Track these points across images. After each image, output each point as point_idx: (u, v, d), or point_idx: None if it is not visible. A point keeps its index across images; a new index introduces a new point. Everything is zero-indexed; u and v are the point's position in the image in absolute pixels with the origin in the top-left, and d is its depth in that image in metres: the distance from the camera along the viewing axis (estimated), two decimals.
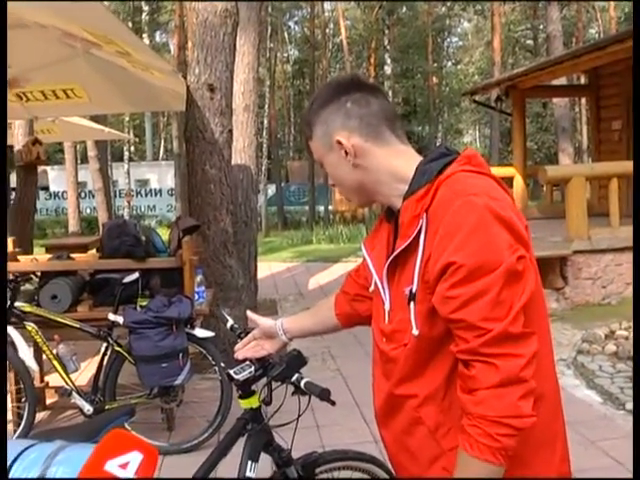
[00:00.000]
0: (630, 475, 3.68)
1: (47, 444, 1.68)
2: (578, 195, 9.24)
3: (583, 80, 16.01)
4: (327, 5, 35.49)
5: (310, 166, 28.92)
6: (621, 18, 36.17)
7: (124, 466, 1.62)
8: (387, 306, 1.63)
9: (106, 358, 4.58)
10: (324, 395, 2.28)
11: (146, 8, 25.36)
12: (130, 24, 26.92)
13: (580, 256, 9.05)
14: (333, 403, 2.31)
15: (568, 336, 7.57)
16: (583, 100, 27.67)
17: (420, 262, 1.49)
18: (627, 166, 10.19)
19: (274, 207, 30.05)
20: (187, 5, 7.49)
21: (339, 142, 1.62)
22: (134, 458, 1.62)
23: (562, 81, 19.28)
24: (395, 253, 1.55)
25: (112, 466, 1.61)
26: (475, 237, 1.39)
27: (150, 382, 4.37)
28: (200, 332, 4.60)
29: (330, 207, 31.00)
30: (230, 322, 2.75)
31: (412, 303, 1.51)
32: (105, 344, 4.54)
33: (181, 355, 4.37)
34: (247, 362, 2.42)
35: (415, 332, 1.50)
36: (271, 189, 31.77)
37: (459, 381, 1.43)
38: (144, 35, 24.70)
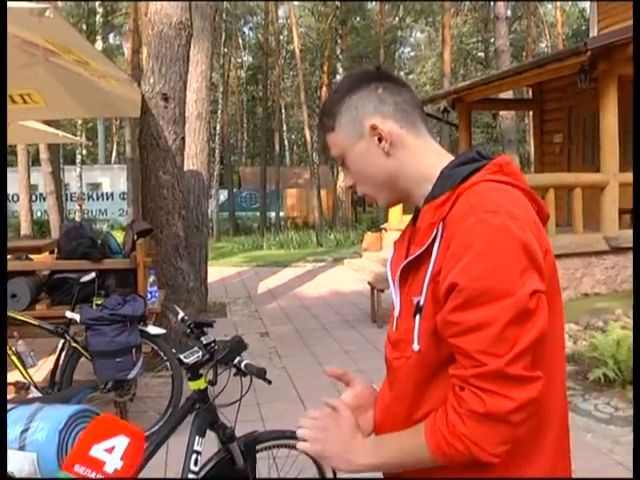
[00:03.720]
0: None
1: (27, 406, 1.89)
2: None
3: (531, 94, 16.57)
4: (281, 12, 35.81)
5: (262, 172, 29.16)
6: (569, 34, 37.25)
7: (110, 450, 1.68)
8: (396, 312, 1.51)
9: (63, 354, 4.78)
10: (260, 373, 2.67)
11: (100, 10, 25.25)
12: (84, 26, 26.76)
13: None
14: (269, 382, 2.68)
15: None
16: (532, 112, 28.41)
17: (430, 274, 1.37)
18: (562, 178, 10.72)
19: (226, 213, 30.16)
20: (143, 16, 7.70)
21: (374, 127, 1.48)
22: (120, 442, 1.69)
23: (509, 94, 19.87)
24: (409, 259, 1.44)
25: (98, 451, 1.68)
26: (483, 260, 1.27)
27: (105, 376, 4.59)
28: (152, 329, 4.85)
29: (281, 213, 31.27)
30: (181, 314, 3.10)
31: (417, 316, 1.39)
32: (62, 340, 4.75)
33: (134, 350, 4.61)
34: (195, 347, 2.75)
35: (415, 347, 1.39)
36: (223, 195, 31.85)
37: (448, 400, 1.35)
38: (97, 37, 24.57)
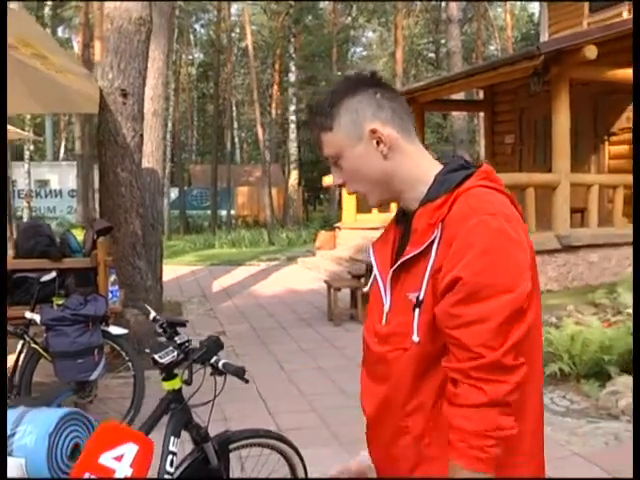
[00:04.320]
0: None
1: (12, 410, 1.84)
2: None
3: (482, 95, 16.82)
4: (234, 9, 35.63)
5: (213, 170, 28.94)
6: (517, 38, 37.87)
7: (119, 458, 1.66)
8: (386, 307, 1.60)
9: (22, 355, 4.68)
10: (239, 372, 2.65)
11: (49, 2, 24.77)
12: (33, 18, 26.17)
13: None
14: (247, 381, 2.67)
15: None
16: (482, 113, 28.82)
17: (430, 271, 1.48)
18: (515, 177, 10.89)
19: (176, 211, 29.89)
20: (95, 10, 7.59)
21: (374, 130, 1.56)
22: (129, 450, 1.66)
23: (461, 95, 20.12)
24: (406, 258, 1.54)
25: (107, 459, 1.65)
26: (485, 258, 1.41)
27: (66, 377, 4.51)
28: (114, 329, 4.78)
29: (232, 211, 31.11)
30: (153, 314, 3.04)
31: (417, 310, 1.50)
32: (22, 342, 4.65)
33: (96, 351, 4.54)
34: (170, 347, 2.72)
35: (416, 339, 1.49)
36: (174, 193, 31.55)
37: (446, 393, 1.46)
38: (47, 30, 24.10)
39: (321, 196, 44.92)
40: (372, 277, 1.76)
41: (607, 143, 11.87)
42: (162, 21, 8.92)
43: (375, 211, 15.81)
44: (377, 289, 1.66)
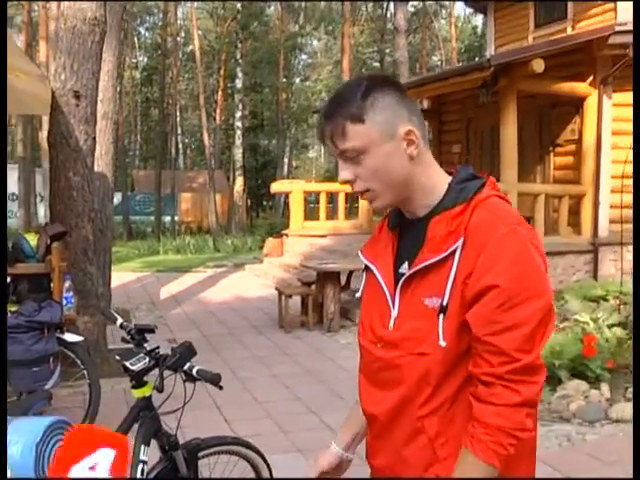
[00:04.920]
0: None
1: None
2: None
3: (426, 104, 17.02)
4: (180, 13, 35.36)
5: (157, 175, 28.60)
6: (462, 49, 38.52)
7: (94, 468, 1.59)
8: (394, 313, 1.62)
9: None
10: (215, 379, 2.61)
11: None
12: None
13: None
14: (221, 388, 2.63)
15: None
16: (427, 122, 29.21)
17: (455, 277, 1.50)
18: None
19: (119, 217, 29.44)
20: (41, 8, 7.43)
21: (409, 132, 1.56)
22: (104, 455, 1.60)
23: None
24: (425, 264, 1.54)
25: (79, 471, 1.58)
26: (518, 265, 1.46)
27: (21, 386, 4.38)
28: (70, 337, 4.67)
29: (176, 218, 30.79)
30: (119, 320, 2.98)
31: (442, 315, 1.51)
32: None
33: (52, 359, 4.43)
34: (141, 354, 2.66)
35: (443, 343, 1.51)
36: (117, 198, 31.02)
37: (477, 393, 1.49)
38: None
39: (264, 203, 44.88)
40: (363, 283, 1.77)
41: (552, 154, 12.14)
42: (113, 22, 8.77)
43: (323, 218, 15.90)
44: (379, 294, 1.66)
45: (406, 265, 1.63)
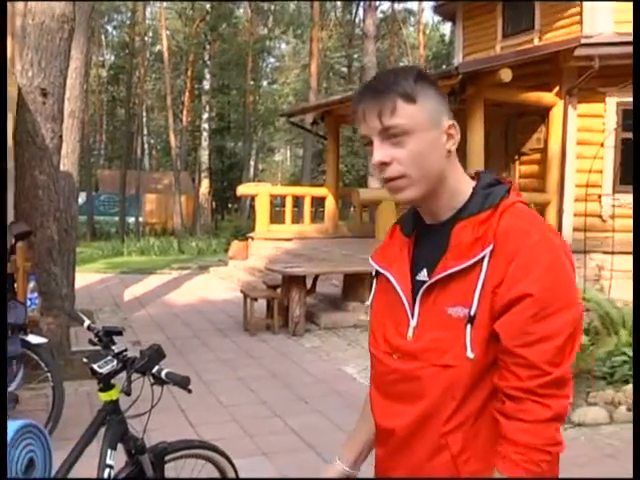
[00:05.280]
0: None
1: None
2: (387, 216, 10.01)
3: None
4: (148, 13, 35.07)
5: (122, 176, 28.35)
6: (429, 57, 38.83)
7: None
8: (413, 322, 1.54)
9: None
10: (185, 382, 2.59)
11: None
12: None
13: None
14: (190, 391, 2.61)
15: None
16: None
17: (483, 285, 1.43)
18: None
19: (84, 217, 29.10)
20: (14, 6, 7.32)
21: (451, 126, 1.52)
22: None
23: None
24: (450, 272, 1.48)
25: None
26: (552, 274, 1.40)
27: None
28: (34, 338, 4.60)
29: (141, 219, 30.53)
30: (87, 322, 2.95)
31: (469, 326, 1.44)
32: None
33: (15, 361, 4.36)
34: (109, 356, 2.63)
35: (470, 355, 1.43)
36: (81, 198, 30.67)
37: (504, 409, 1.42)
38: None
39: (230, 205, 44.70)
40: (374, 290, 1.70)
41: (518, 162, 12.30)
42: (82, 19, 8.67)
43: (288, 222, 15.90)
44: (394, 303, 1.58)
45: (425, 272, 1.56)
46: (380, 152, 1.48)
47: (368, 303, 1.73)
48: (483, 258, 1.44)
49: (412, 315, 1.54)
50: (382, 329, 1.62)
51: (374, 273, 1.70)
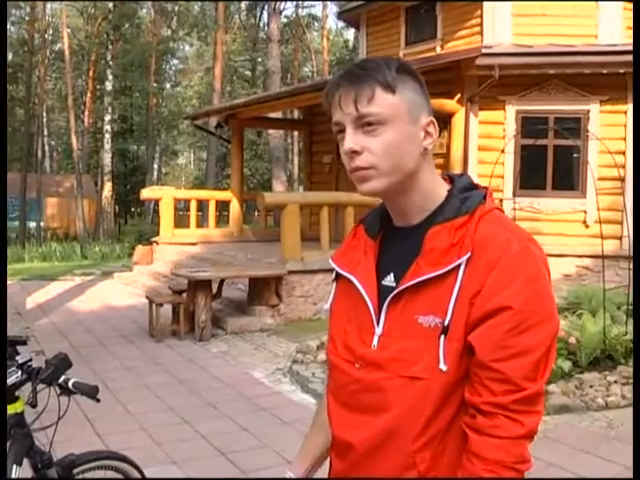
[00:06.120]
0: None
1: None
2: (292, 220, 10.07)
3: (296, 114, 17.23)
4: (49, 9, 34.01)
5: (21, 179, 27.39)
6: (333, 62, 39.22)
7: None
8: (379, 330, 1.45)
9: None
10: (93, 392, 2.56)
11: None
12: None
13: (294, 276, 9.90)
14: (98, 400, 2.58)
15: (284, 348, 8.39)
16: (295, 132, 29.52)
17: (458, 294, 1.35)
18: (337, 196, 11.32)
19: None
20: None
21: (430, 123, 1.44)
22: None
23: (278, 114, 20.51)
24: (422, 279, 1.39)
25: None
26: (532, 286, 1.33)
27: None
28: None
29: (42, 223, 29.59)
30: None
31: (443, 337, 1.36)
32: None
33: None
34: (12, 367, 2.57)
35: (444, 367, 1.35)
36: None
37: (476, 424, 1.35)
38: None
39: (133, 209, 43.90)
40: (333, 293, 1.62)
41: None
42: None
43: (193, 226, 15.76)
44: (358, 308, 1.50)
45: (392, 277, 1.47)
46: (352, 139, 1.41)
47: (327, 307, 1.64)
48: (459, 266, 1.36)
49: (377, 322, 1.45)
50: (343, 335, 1.54)
51: (334, 275, 1.62)
